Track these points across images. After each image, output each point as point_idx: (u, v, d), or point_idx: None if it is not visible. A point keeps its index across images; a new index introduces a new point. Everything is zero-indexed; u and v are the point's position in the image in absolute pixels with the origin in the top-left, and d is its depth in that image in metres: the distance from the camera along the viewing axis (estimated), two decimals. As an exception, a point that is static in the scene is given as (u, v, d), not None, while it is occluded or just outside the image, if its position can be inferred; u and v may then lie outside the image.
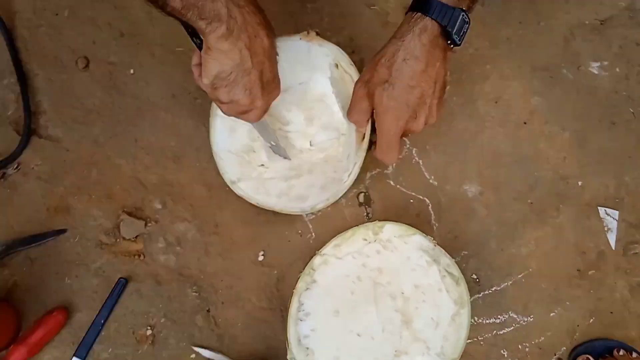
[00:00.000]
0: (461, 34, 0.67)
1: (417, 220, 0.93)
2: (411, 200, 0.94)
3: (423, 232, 0.91)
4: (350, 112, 0.75)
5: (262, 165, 0.83)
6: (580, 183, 0.95)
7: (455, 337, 0.75)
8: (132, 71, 0.91)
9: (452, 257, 0.86)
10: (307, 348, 0.76)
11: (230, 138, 0.82)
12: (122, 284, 0.84)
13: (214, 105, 0.81)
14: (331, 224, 0.90)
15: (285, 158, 0.84)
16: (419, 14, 0.65)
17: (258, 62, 0.64)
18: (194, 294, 0.87)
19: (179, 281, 0.87)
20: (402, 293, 0.78)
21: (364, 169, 0.92)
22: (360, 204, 0.93)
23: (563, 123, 0.96)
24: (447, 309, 0.77)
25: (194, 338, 0.86)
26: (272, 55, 0.67)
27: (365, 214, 0.92)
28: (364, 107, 0.72)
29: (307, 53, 0.83)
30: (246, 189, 0.79)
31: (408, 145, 0.95)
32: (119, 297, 0.83)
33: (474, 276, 0.92)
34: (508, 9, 0.99)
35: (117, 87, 0.90)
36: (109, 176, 0.88)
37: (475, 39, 0.97)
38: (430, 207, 0.94)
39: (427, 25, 0.66)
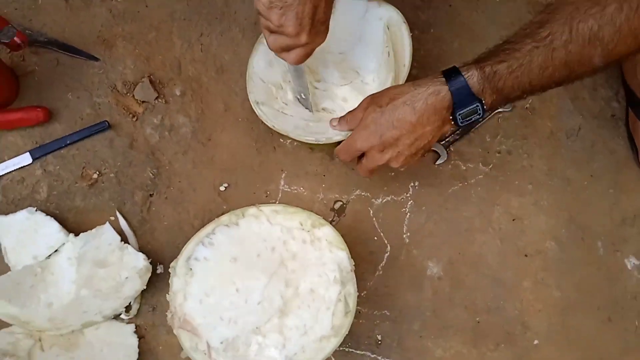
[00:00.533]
0: (467, 119, 0.70)
1: (367, 255, 0.92)
2: (375, 238, 0.93)
3: (366, 270, 0.89)
4: (347, 114, 0.79)
5: (286, 104, 0.86)
6: (536, 342, 0.90)
7: (311, 356, 0.73)
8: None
9: (375, 310, 0.84)
10: (190, 269, 0.76)
11: (266, 69, 0.86)
12: (103, 127, 0.89)
13: (261, 35, 0.86)
14: (295, 202, 0.91)
15: (307, 109, 0.87)
16: (444, 78, 0.69)
17: None
18: (150, 174, 0.91)
19: (147, 157, 0.91)
20: (297, 287, 0.77)
21: (353, 185, 0.93)
22: (332, 209, 0.93)
23: (562, 285, 0.92)
24: (322, 328, 0.75)
25: (124, 206, 0.90)
26: None
27: (331, 219, 0.92)
28: (357, 116, 0.76)
29: (362, 15, 0.87)
30: (267, 113, 0.83)
31: (409, 195, 0.94)
32: (94, 133, 0.89)
33: (379, 337, 0.89)
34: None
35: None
36: (161, 44, 0.95)
37: (530, 156, 0.96)
38: (387, 255, 0.93)
39: (440, 91, 0.69)
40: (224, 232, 0.78)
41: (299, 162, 0.95)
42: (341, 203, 0.94)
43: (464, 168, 0.97)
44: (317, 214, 0.79)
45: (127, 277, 0.82)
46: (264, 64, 0.87)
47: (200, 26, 0.97)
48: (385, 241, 0.94)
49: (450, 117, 0.71)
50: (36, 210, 0.85)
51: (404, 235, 0.94)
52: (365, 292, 0.91)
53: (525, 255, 0.95)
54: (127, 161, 0.91)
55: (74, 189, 0.89)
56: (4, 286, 0.79)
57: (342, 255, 0.78)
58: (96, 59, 0.93)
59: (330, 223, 0.89)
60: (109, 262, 0.83)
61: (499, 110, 0.98)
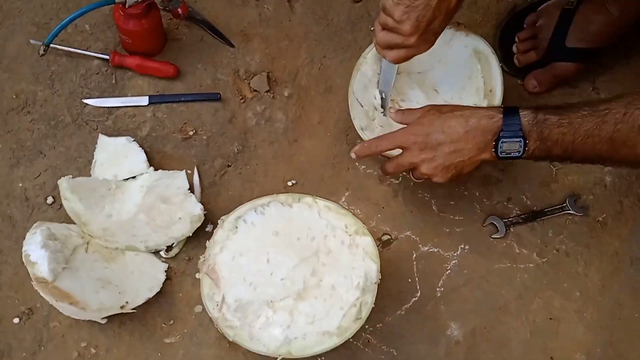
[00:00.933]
0: (506, 152, 0.75)
1: (395, 292, 0.94)
2: (409, 280, 0.96)
3: (390, 306, 0.91)
4: (406, 109, 0.85)
5: (382, 126, 0.95)
6: None
7: (309, 345, 0.76)
8: None
9: (384, 346, 0.89)
10: (236, 227, 0.83)
11: (363, 92, 0.96)
12: (215, 97, 1.02)
13: (358, 61, 0.95)
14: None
15: (382, 113, 0.94)
16: (502, 109, 0.76)
17: (438, 9, 0.74)
18: (235, 149, 1.01)
19: (239, 134, 1.02)
20: (321, 279, 0.81)
21: (407, 226, 0.97)
22: (379, 239, 0.97)
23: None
24: (329, 324, 0.78)
25: (203, 166, 1.00)
26: (449, 15, 0.76)
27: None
28: (415, 114, 0.82)
29: (447, 42, 0.93)
30: (369, 137, 0.92)
31: (455, 254, 0.96)
32: (205, 99, 1.02)
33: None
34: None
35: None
36: (289, 52, 1.07)
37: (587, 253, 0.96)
38: (414, 299, 0.95)
39: (494, 117, 0.75)
40: (278, 207, 0.84)
41: (364, 188, 1.00)
42: (389, 237, 0.98)
43: (518, 251, 0.98)
44: (364, 226, 0.84)
45: (180, 218, 0.90)
46: (362, 88, 0.96)
47: (326, 49, 1.09)
48: (418, 286, 0.95)
49: (493, 146, 0.75)
50: (133, 141, 0.96)
51: (437, 289, 0.95)
52: (381, 325, 0.92)
53: (551, 358, 0.91)
54: (221, 131, 1.01)
55: (170, 137, 1.00)
56: (81, 186, 0.89)
57: (372, 267, 0.81)
58: (232, 46, 1.07)
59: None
60: (171, 201, 0.92)
61: (570, 211, 0.99)
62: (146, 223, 0.90)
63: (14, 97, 1.01)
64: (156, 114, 1.01)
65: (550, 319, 0.94)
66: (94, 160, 0.96)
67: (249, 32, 1.09)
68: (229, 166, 1.00)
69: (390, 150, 0.85)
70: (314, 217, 0.84)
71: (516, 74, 1.07)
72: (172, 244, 0.92)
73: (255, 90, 1.05)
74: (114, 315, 0.88)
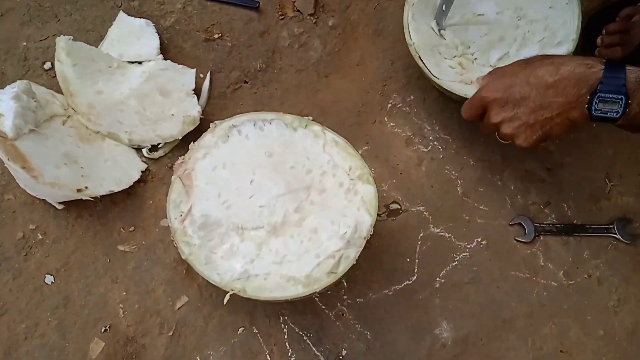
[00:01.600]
0: (601, 111, 0.62)
1: (389, 270, 0.81)
2: (408, 259, 0.82)
3: (378, 282, 0.78)
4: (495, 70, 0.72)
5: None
6: None
7: (269, 288, 0.64)
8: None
9: (358, 325, 0.75)
10: (228, 137, 0.72)
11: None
12: (253, 4, 0.91)
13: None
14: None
15: (438, 25, 0.82)
16: (602, 61, 0.62)
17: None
18: (258, 66, 0.90)
19: (267, 51, 0.91)
20: (304, 218, 0.69)
21: (422, 200, 0.83)
22: (386, 206, 0.84)
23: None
24: (298, 270, 0.66)
25: (217, 74, 0.89)
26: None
27: (379, 214, 0.83)
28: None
29: None
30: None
31: (470, 246, 0.82)
32: (241, 5, 0.91)
33: (344, 352, 0.76)
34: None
35: None
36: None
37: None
38: (408, 282, 0.81)
39: (594, 66, 0.62)
40: (280, 128, 0.73)
41: (386, 147, 0.88)
42: (398, 207, 0.85)
43: (542, 263, 0.83)
44: (370, 172, 0.71)
45: (172, 115, 0.79)
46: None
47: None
48: (416, 269, 0.81)
49: (587, 101, 0.62)
50: (152, 25, 0.86)
51: (437, 279, 0.81)
52: (362, 300, 0.79)
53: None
54: (249, 42, 0.90)
55: (193, 35, 0.90)
56: (79, 51, 0.80)
57: (366, 219, 0.68)
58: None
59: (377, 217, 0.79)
60: (170, 95, 0.81)
61: (616, 235, 0.83)
62: (135, 111, 0.79)
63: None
64: (186, 7, 0.91)
65: (561, 351, 0.79)
66: (107, 35, 0.87)
67: (310, -49, 0.97)
68: (245, 82, 0.89)
69: (476, 113, 0.72)
70: (317, 148, 0.72)
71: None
72: (158, 144, 0.81)
73: (297, 10, 0.93)
74: (73, 204, 0.78)
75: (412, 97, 0.91)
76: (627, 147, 0.89)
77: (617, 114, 0.61)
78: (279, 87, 0.89)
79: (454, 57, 0.82)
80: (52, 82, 0.86)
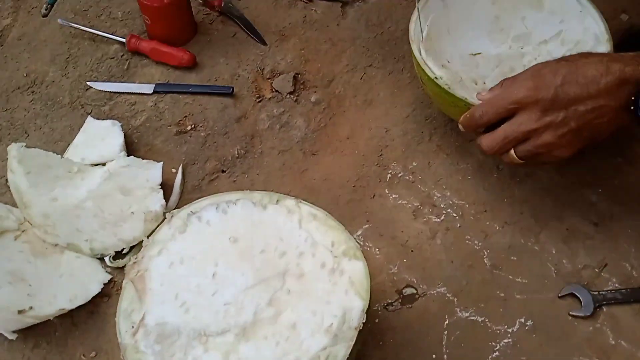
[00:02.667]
0: None
1: (419, 355, 0.63)
2: (434, 356, 0.64)
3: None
4: (507, 79, 0.60)
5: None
6: None
7: None
8: None
9: None
10: (186, 226, 0.60)
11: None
12: (227, 91, 0.85)
13: None
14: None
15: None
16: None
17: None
18: (237, 153, 0.81)
19: (245, 136, 0.83)
20: (280, 313, 0.54)
21: (442, 279, 0.68)
22: (398, 292, 0.69)
23: None
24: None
25: (191, 166, 0.80)
26: None
27: (391, 302, 0.68)
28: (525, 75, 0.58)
29: None
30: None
31: (511, 330, 0.65)
32: (215, 93, 0.85)
33: None
34: None
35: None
36: (328, 56, 0.90)
37: None
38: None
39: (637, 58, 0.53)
40: (247, 208, 0.61)
41: (391, 223, 0.74)
42: (414, 292, 0.69)
43: (612, 342, 0.63)
44: (357, 246, 0.57)
45: (132, 213, 0.69)
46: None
47: (373, 58, 0.89)
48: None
49: (633, 102, 0.53)
50: (118, 125, 0.80)
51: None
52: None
53: None
54: (224, 130, 0.82)
55: (163, 130, 0.83)
56: (33, 158, 0.73)
57: (356, 305, 0.53)
58: (265, 44, 0.91)
59: (388, 307, 0.64)
60: (133, 194, 0.72)
61: None
62: (93, 215, 0.70)
63: (25, 75, 0.91)
64: (158, 104, 0.85)
65: None
66: (72, 143, 0.81)
67: (288, 33, 0.93)
68: (223, 171, 0.79)
69: (502, 117, 0.59)
70: (291, 225, 0.59)
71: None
72: (123, 250, 0.70)
73: (276, 91, 0.86)
74: (30, 332, 0.67)
75: (414, 164, 0.79)
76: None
77: None
78: (261, 172, 0.79)
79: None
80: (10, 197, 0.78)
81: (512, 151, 0.59)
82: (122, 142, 0.78)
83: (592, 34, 0.71)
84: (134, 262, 0.59)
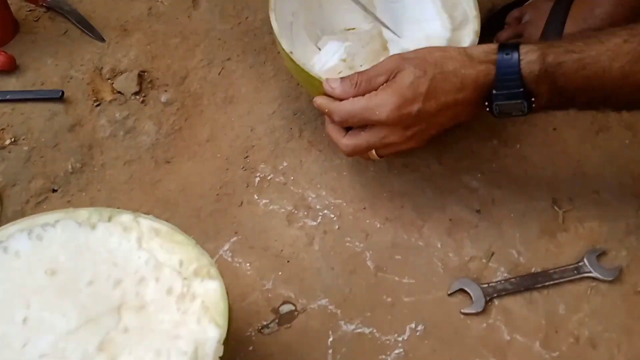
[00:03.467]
0: (505, 113, 0.54)
1: None
2: None
3: None
4: (358, 74, 0.57)
5: None
6: None
7: None
8: None
9: None
10: None
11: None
12: (56, 95, 0.71)
13: None
14: (231, 278, 0.58)
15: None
16: (494, 56, 0.53)
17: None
18: (70, 167, 0.67)
19: (81, 148, 0.70)
20: (114, 359, 0.42)
21: (322, 290, 0.59)
22: (274, 311, 0.59)
23: None
24: None
25: (11, 188, 0.65)
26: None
27: (266, 323, 0.58)
28: (379, 79, 0.56)
29: None
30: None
31: (401, 338, 0.57)
32: (41, 99, 0.70)
33: None
34: None
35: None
36: (179, 51, 0.78)
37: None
38: None
39: (486, 69, 0.54)
40: (70, 230, 0.48)
41: (263, 232, 0.64)
42: (293, 308, 0.59)
43: (508, 337, 0.58)
44: (212, 262, 0.46)
45: None
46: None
47: (232, 51, 0.79)
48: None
49: (487, 105, 0.55)
50: None
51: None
52: None
53: None
54: (54, 141, 0.68)
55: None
56: None
57: (210, 335, 0.42)
58: (103, 40, 0.78)
59: (263, 330, 0.54)
60: None
61: (592, 274, 0.61)
62: None
63: None
64: (-35, 117, 0.69)
65: None
66: None
67: (130, 28, 0.80)
68: (54, 190, 0.65)
69: (355, 125, 0.58)
70: (128, 246, 0.47)
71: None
72: None
73: (118, 92, 0.73)
74: None
75: (285, 164, 0.70)
76: (569, 161, 0.70)
77: (523, 113, 0.54)
78: (102, 188, 0.66)
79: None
80: None
81: (372, 152, 0.59)
82: None
83: (460, 8, 0.67)
84: None
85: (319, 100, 0.59)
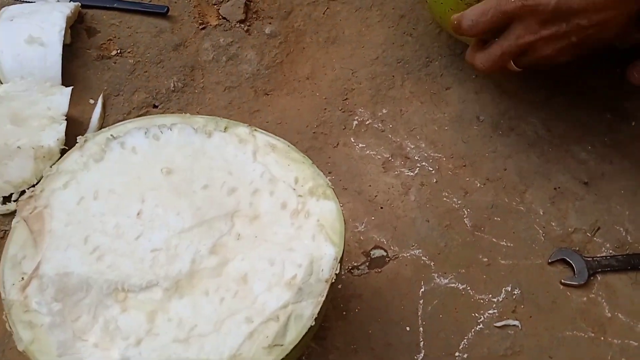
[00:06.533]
0: None
1: (382, 346, 0.51)
2: (408, 329, 0.54)
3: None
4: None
5: None
6: None
7: None
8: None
9: None
10: (104, 152, 0.46)
11: None
12: (161, 10, 0.70)
13: None
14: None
15: None
16: None
17: None
18: (172, 85, 0.66)
19: (184, 68, 0.68)
20: (225, 262, 0.41)
21: (417, 240, 0.57)
22: (366, 254, 0.57)
23: None
24: (216, 347, 0.37)
25: (114, 97, 0.65)
26: None
27: (357, 265, 0.56)
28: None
29: None
30: None
31: (496, 299, 0.55)
32: (147, 12, 0.70)
33: None
34: None
35: None
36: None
37: None
38: (411, 362, 0.51)
39: None
40: (186, 134, 0.47)
41: (358, 176, 0.63)
42: (384, 254, 0.57)
43: (609, 314, 0.55)
44: (328, 182, 0.44)
45: (18, 148, 0.54)
46: None
47: (340, -8, 0.77)
48: (421, 342, 0.52)
49: None
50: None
51: (457, 353, 0.52)
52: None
53: None
54: (158, 58, 0.68)
55: (81, 54, 0.67)
56: None
57: (327, 252, 0.41)
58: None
59: (353, 271, 0.53)
60: (27, 124, 0.57)
61: None
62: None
63: None
64: (76, 24, 0.69)
65: None
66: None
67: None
68: (155, 106, 0.65)
69: (494, 27, 0.53)
70: (243, 158, 0.46)
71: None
72: (12, 194, 0.55)
73: (223, 18, 0.72)
74: None
75: (384, 111, 0.67)
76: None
77: None
78: (201, 110, 0.65)
79: None
80: None
81: (510, 62, 0.54)
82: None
83: None
84: (30, 196, 0.44)
85: (454, 17, 0.55)
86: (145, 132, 0.47)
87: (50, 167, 0.46)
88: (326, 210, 0.43)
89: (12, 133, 0.55)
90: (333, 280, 0.39)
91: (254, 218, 0.44)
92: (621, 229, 0.60)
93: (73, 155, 0.46)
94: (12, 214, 0.55)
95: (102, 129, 0.48)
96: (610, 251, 0.59)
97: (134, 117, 0.64)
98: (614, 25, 0.49)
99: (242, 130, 0.48)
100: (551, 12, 0.49)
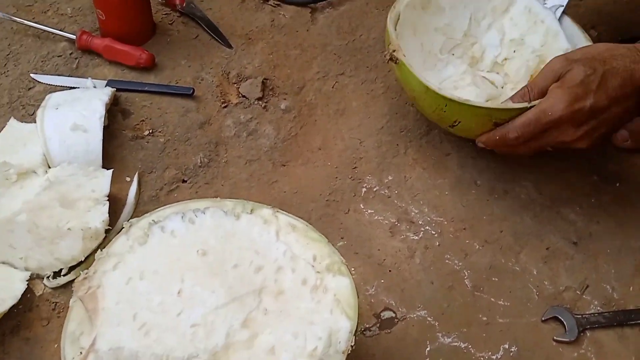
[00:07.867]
0: None
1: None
2: None
3: None
4: (528, 84, 0.62)
5: None
6: None
7: None
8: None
9: None
10: (147, 236, 0.53)
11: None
12: (187, 91, 0.78)
13: None
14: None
15: None
16: None
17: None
18: (199, 161, 0.74)
19: (209, 144, 0.77)
20: (255, 335, 0.48)
21: (422, 301, 0.63)
22: (376, 315, 0.64)
23: None
24: None
25: (148, 175, 0.72)
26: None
27: (368, 327, 0.62)
28: (547, 82, 0.60)
29: None
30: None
31: (495, 357, 0.61)
32: (175, 94, 0.78)
33: None
34: None
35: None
36: (298, 62, 0.84)
37: None
38: None
39: None
40: (217, 217, 0.54)
41: (367, 241, 0.69)
42: (393, 315, 0.64)
43: (598, 367, 0.60)
44: (342, 260, 0.51)
45: (69, 230, 0.61)
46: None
47: (346, 66, 0.85)
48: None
49: None
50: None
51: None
52: None
53: None
54: (186, 136, 0.75)
55: (117, 134, 0.75)
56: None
57: (343, 325, 0.47)
58: (230, 47, 0.85)
59: (366, 332, 0.59)
60: (75, 206, 0.64)
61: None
62: (27, 230, 0.61)
63: (-44, 75, 0.81)
64: (111, 107, 0.77)
65: None
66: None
67: (254, 37, 0.87)
68: (184, 181, 0.72)
69: (536, 137, 0.61)
70: (268, 237, 0.53)
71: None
72: (62, 270, 0.62)
73: (243, 96, 0.80)
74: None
75: (390, 178, 0.75)
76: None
77: None
78: (226, 183, 0.73)
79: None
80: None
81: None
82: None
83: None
84: (84, 278, 0.52)
85: (484, 138, 0.63)
86: (182, 217, 0.54)
87: (101, 250, 0.53)
88: (342, 286, 0.50)
89: (62, 215, 0.62)
90: (349, 352, 0.46)
91: (278, 293, 0.50)
92: (608, 286, 0.66)
93: (120, 239, 0.53)
94: (61, 287, 0.62)
95: (144, 215, 0.55)
96: (598, 308, 0.64)
97: (165, 192, 0.71)
98: (634, 109, 0.58)
99: (266, 211, 0.55)
100: (586, 114, 0.57)
